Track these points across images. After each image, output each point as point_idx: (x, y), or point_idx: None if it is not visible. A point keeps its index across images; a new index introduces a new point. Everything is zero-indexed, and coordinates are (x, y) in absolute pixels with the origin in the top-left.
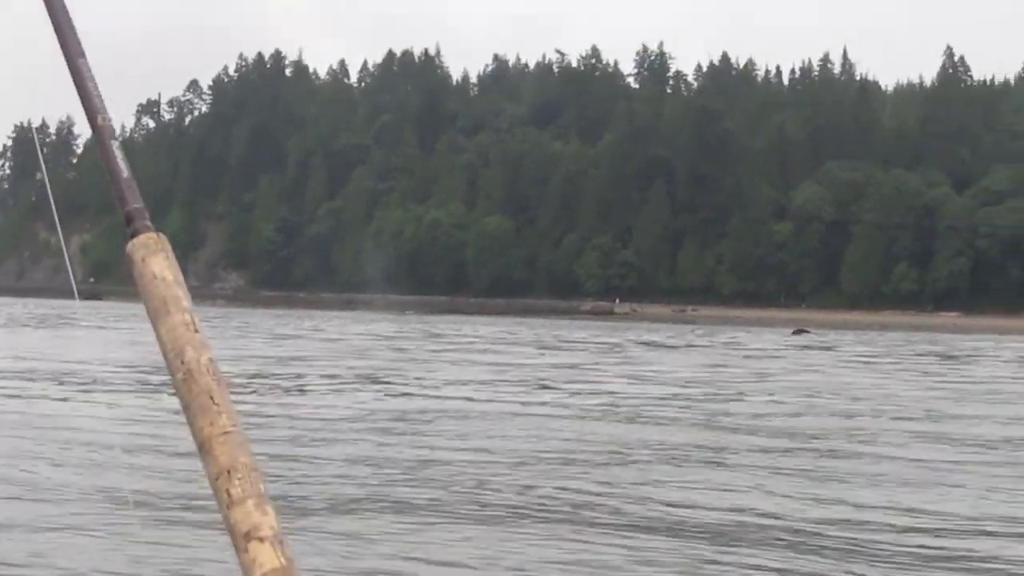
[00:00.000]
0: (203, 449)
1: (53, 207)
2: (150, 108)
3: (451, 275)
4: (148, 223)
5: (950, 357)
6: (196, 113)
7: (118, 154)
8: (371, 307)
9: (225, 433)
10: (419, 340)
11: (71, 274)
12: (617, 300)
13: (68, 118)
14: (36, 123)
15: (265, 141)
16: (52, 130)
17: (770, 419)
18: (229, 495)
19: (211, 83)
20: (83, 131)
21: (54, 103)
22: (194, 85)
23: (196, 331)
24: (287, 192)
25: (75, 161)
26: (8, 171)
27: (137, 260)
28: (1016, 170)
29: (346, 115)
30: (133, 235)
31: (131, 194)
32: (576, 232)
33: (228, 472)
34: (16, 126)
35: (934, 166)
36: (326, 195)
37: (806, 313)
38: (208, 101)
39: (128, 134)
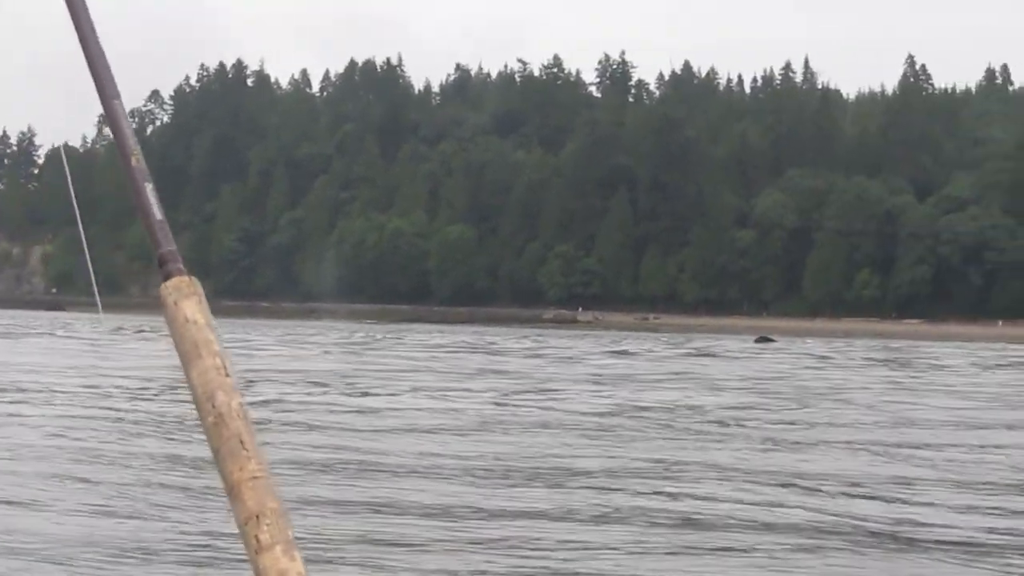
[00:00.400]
0: (232, 494)
1: (79, 219)
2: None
3: (414, 284)
4: (181, 266)
5: (909, 364)
6: (158, 123)
7: (151, 196)
8: (333, 316)
9: (254, 478)
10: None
11: (95, 288)
12: (580, 308)
13: (29, 129)
14: None
15: (227, 151)
16: (13, 141)
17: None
18: (258, 540)
19: (172, 93)
20: (44, 143)
21: (15, 115)
22: (155, 95)
23: (227, 375)
24: (249, 202)
25: (36, 172)
26: None
27: (169, 303)
28: (977, 177)
29: (308, 125)
30: (166, 277)
31: (164, 236)
32: (538, 240)
33: (257, 517)
34: None
35: (896, 173)
36: (288, 205)
37: (769, 321)
38: (170, 111)
39: (90, 145)
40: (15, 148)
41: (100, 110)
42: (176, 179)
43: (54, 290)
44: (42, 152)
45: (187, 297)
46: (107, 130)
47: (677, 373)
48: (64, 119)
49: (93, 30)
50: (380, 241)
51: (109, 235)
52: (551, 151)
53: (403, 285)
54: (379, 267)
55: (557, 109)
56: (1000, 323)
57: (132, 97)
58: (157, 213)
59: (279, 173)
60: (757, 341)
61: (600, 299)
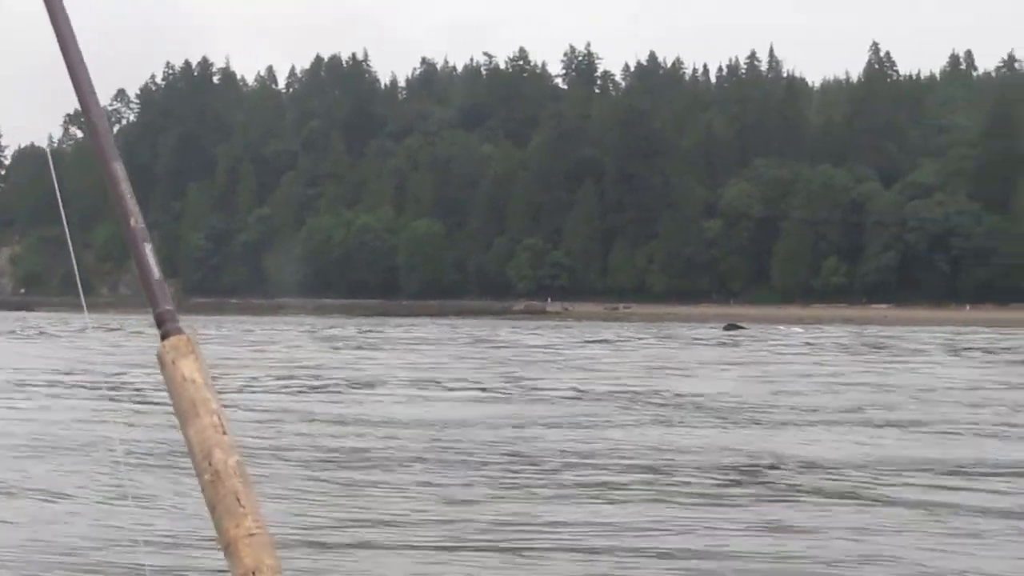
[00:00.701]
0: (229, 550)
1: (64, 219)
2: (77, 118)
3: (383, 279)
4: (178, 325)
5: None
6: (124, 122)
7: (150, 256)
8: (300, 312)
9: (251, 535)
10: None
11: (79, 287)
12: (549, 300)
13: None
14: None
15: (193, 149)
16: None
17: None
18: None
19: (138, 92)
20: (10, 143)
21: None
22: (121, 94)
23: (224, 433)
24: (216, 200)
25: (3, 173)
26: None
27: (168, 362)
28: (942, 164)
29: (274, 121)
30: (164, 336)
31: (162, 296)
32: (506, 234)
33: (253, 574)
34: None
35: (861, 161)
36: (255, 202)
37: (738, 309)
38: (136, 110)
39: (56, 145)
40: None
41: (68, 110)
42: (143, 178)
43: (22, 291)
44: (8, 153)
45: (184, 356)
46: (73, 130)
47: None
48: (28, 118)
49: (84, 66)
50: (347, 237)
51: (77, 235)
52: (518, 144)
53: (372, 280)
54: (347, 263)
55: (523, 102)
56: (968, 307)
57: (99, 96)
58: (156, 272)
59: (246, 170)
60: (726, 328)
61: (569, 291)
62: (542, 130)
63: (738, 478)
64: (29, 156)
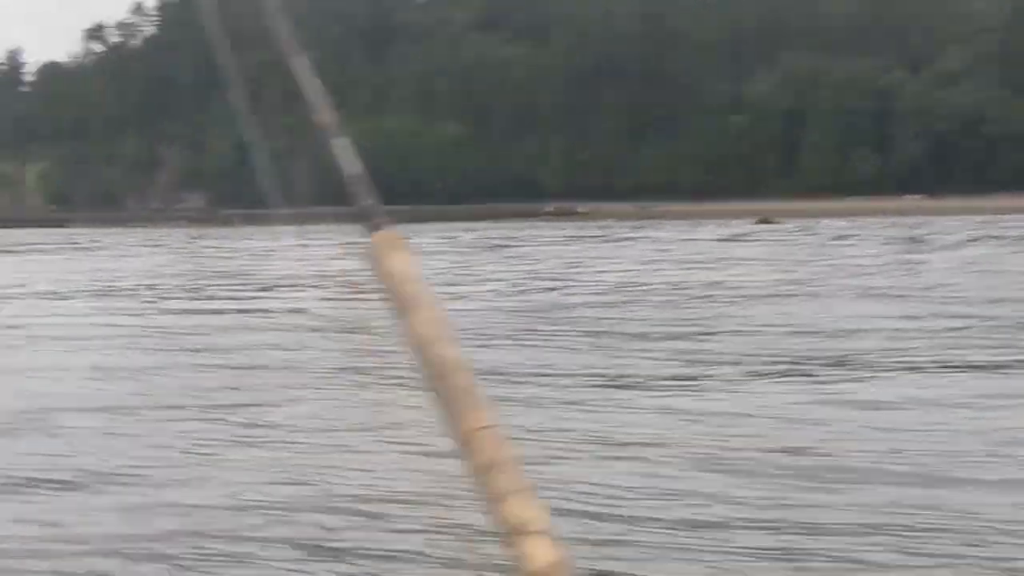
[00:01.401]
0: (464, 444)
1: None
2: (96, 32)
3: (411, 185)
4: (387, 219)
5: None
6: (142, 36)
7: (347, 152)
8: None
9: (486, 428)
10: None
11: (270, 188)
12: (578, 201)
13: (17, 48)
14: None
15: (213, 60)
16: (1, 59)
17: None
18: (494, 490)
19: (156, 4)
20: (32, 59)
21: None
22: (139, 8)
23: (445, 326)
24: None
25: (26, 91)
26: None
27: (379, 256)
28: (970, 51)
29: (295, 31)
30: (374, 230)
31: (366, 191)
32: (534, 136)
33: (492, 467)
34: None
35: (887, 51)
36: (278, 112)
37: (769, 204)
38: (154, 22)
39: (79, 61)
40: (5, 66)
41: (86, 25)
42: (166, 91)
43: (53, 208)
44: (29, 70)
45: (396, 250)
46: (93, 45)
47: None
48: (49, 35)
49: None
50: (374, 144)
51: (101, 149)
52: (541, 46)
53: (401, 187)
54: (374, 171)
55: (543, 3)
56: (1002, 195)
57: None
58: (353, 167)
59: (269, 79)
60: (758, 223)
61: (598, 191)
62: (565, 31)
63: None
64: (51, 72)
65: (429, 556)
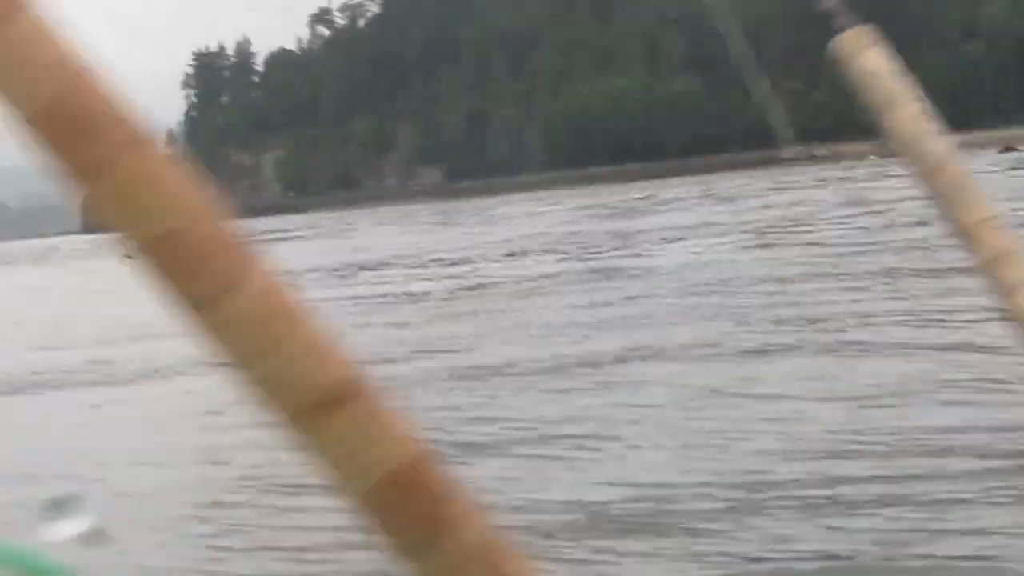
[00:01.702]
0: (968, 237)
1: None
2: (322, 16)
3: (644, 141)
4: (853, 17)
5: None
6: (368, 15)
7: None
8: (574, 183)
9: (986, 219)
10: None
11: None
12: (815, 143)
13: (245, 39)
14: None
15: (441, 34)
16: (231, 53)
17: None
18: (1008, 280)
19: None
20: (260, 50)
21: (230, 26)
22: None
23: (928, 122)
24: (469, 82)
25: (257, 80)
26: (195, 99)
27: (849, 56)
28: None
29: None
30: (839, 31)
31: None
32: (764, 82)
33: (1002, 257)
34: (195, 53)
35: None
36: (509, 79)
37: (1014, 131)
38: (379, 1)
39: (306, 45)
40: (234, 59)
41: (311, 10)
42: (395, 68)
43: (291, 194)
44: (259, 60)
45: (867, 47)
46: (321, 28)
47: None
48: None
49: None
50: (605, 103)
51: (334, 132)
52: None
53: (635, 143)
54: (608, 129)
55: None
56: None
57: None
58: None
59: (495, 50)
60: (1002, 151)
61: (833, 133)
62: None
63: None
64: (280, 60)
65: None
